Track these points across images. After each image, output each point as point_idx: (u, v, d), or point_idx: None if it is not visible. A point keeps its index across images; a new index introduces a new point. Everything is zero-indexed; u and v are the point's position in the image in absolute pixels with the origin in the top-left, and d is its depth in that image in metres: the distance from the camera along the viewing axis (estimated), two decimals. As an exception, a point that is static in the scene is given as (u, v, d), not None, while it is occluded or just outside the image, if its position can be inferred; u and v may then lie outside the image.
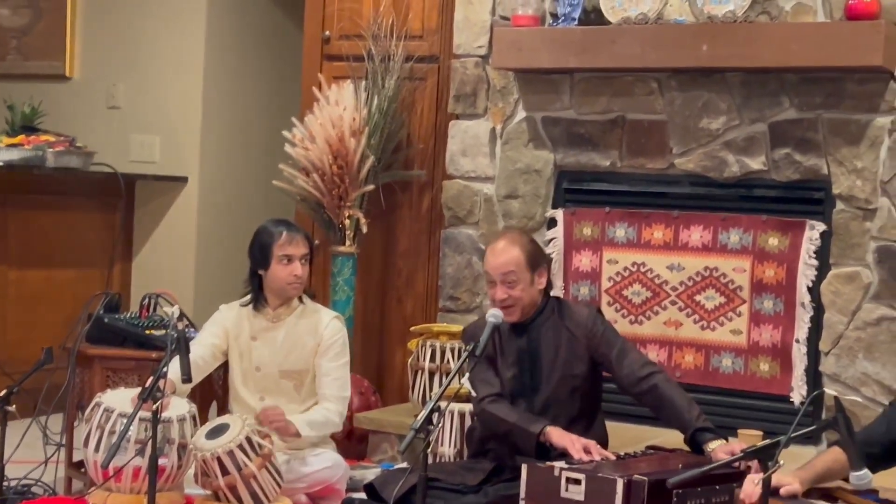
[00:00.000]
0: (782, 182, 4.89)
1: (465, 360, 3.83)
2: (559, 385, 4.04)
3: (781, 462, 3.11)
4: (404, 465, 4.27)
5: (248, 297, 4.39)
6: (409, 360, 5.16)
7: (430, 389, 4.94)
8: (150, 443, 3.73)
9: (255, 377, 4.34)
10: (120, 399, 4.01)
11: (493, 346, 4.08)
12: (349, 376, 4.36)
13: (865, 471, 3.14)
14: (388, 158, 5.66)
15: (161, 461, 3.81)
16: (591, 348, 4.05)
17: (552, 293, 4.25)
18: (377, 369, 5.83)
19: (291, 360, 4.33)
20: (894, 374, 4.66)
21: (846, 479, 3.42)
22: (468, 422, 4.51)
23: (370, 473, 4.51)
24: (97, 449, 3.94)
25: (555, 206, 5.33)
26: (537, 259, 4.08)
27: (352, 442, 5.09)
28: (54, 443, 4.60)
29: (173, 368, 3.81)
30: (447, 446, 4.53)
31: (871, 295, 4.70)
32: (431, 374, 5.01)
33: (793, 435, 3.11)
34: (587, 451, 3.80)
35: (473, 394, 4.13)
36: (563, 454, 3.83)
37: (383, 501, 3.72)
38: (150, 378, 3.76)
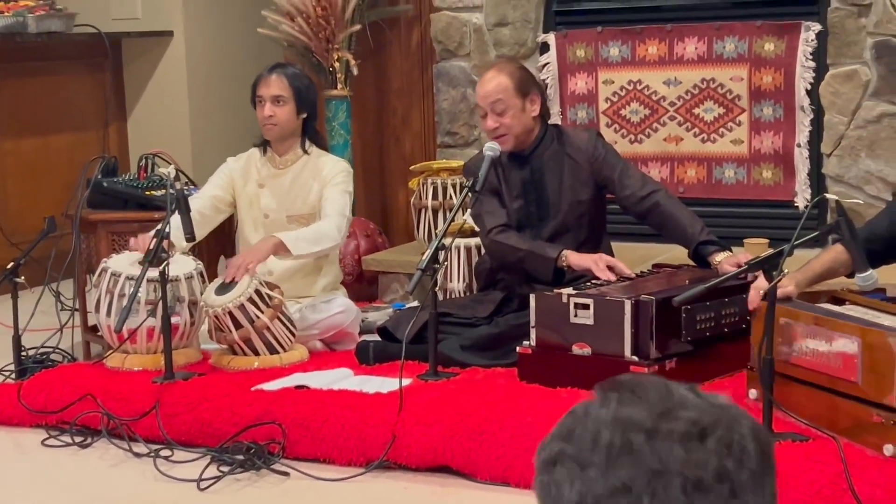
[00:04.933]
0: (775, -15, 4.79)
1: (466, 196, 3.83)
2: (567, 213, 4.03)
3: (786, 271, 3.12)
4: (415, 303, 4.29)
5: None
6: (412, 200, 5.15)
7: (435, 227, 4.95)
8: (160, 303, 3.76)
9: (264, 224, 4.34)
10: (126, 262, 4.03)
11: (497, 178, 4.04)
12: (349, 204, 4.31)
13: (870, 272, 3.14)
14: (373, -5, 5.55)
15: (173, 319, 3.85)
16: (595, 172, 4.02)
17: (550, 122, 4.20)
18: (381, 211, 5.83)
19: (298, 205, 4.32)
20: (897, 170, 4.65)
21: (850, 276, 3.42)
22: (475, 256, 4.52)
23: (382, 315, 4.55)
24: (109, 314, 3.97)
25: (546, 30, 5.24)
26: (526, 85, 4.00)
27: (362, 284, 5.12)
28: (68, 308, 4.64)
29: (175, 228, 3.81)
30: (456, 282, 4.57)
31: (871, 92, 4.65)
32: (435, 212, 5.00)
33: (796, 242, 3.12)
34: (610, 268, 3.82)
35: (478, 229, 4.12)
36: (576, 279, 3.85)
37: (398, 341, 3.76)
38: (152, 240, 3.77)
